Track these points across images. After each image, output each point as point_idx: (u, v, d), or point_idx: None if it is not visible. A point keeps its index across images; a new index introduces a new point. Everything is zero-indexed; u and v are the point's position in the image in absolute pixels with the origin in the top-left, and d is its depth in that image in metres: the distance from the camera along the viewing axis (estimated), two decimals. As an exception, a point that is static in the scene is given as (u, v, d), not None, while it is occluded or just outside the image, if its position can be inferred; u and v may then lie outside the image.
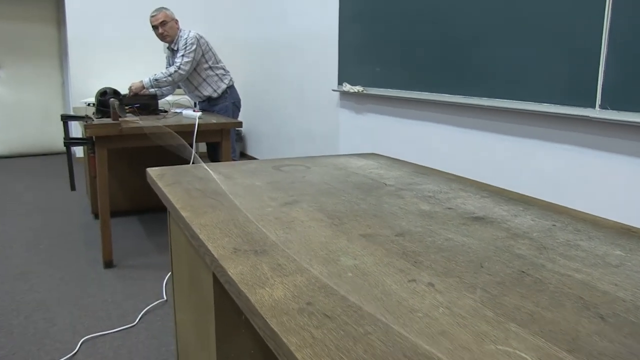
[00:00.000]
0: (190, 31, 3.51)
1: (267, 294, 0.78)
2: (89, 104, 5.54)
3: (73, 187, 3.09)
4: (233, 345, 1.25)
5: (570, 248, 1.01)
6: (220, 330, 1.23)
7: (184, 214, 1.18)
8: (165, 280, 2.81)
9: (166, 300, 2.58)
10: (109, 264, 3.01)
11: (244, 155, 6.49)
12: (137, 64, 6.14)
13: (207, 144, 3.90)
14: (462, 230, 1.11)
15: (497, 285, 0.83)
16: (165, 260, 3.11)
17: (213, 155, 3.78)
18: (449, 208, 1.29)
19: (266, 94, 5.87)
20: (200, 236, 1.04)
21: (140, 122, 2.88)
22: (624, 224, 1.17)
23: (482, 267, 0.91)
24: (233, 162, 1.83)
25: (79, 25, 5.91)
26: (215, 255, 0.93)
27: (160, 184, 1.48)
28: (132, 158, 3.94)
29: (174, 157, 4.02)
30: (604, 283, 0.85)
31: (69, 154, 3.01)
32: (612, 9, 2.09)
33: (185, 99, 4.28)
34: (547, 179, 2.51)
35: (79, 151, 5.76)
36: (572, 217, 1.22)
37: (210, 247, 0.97)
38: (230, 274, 0.85)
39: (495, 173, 2.82)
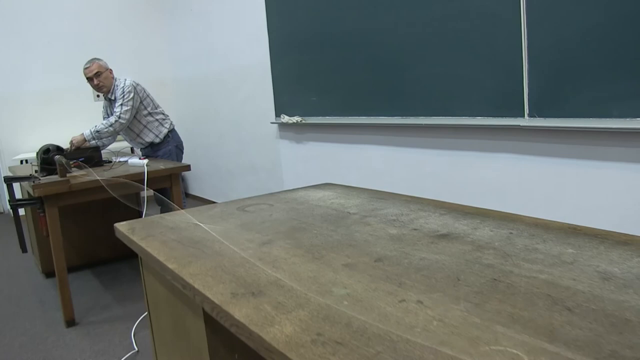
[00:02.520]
0: (126, 79, 3.53)
1: (278, 331, 0.85)
2: (24, 162, 5.40)
3: (24, 249, 3.03)
4: (231, 385, 1.31)
5: (529, 252, 1.14)
6: (217, 372, 1.28)
7: (170, 266, 1.24)
8: (133, 331, 2.79)
9: (138, 351, 2.57)
10: (71, 323, 2.95)
11: (187, 195, 6.47)
12: (67, 116, 6.05)
13: (153, 191, 3.90)
14: (432, 248, 1.22)
15: (476, 294, 0.94)
16: (129, 311, 3.08)
17: (161, 199, 3.78)
18: (415, 229, 1.40)
19: (203, 132, 5.90)
20: (195, 285, 1.10)
21: (94, 174, 2.87)
22: (570, 224, 1.32)
23: (459, 280, 1.01)
24: (198, 207, 1.88)
25: (2, 83, 5.78)
26: (217, 302, 1.00)
27: (134, 239, 1.52)
28: (77, 213, 3.88)
29: (117, 208, 3.99)
30: (564, 279, 0.97)
31: (16, 216, 2.96)
32: (527, 28, 2.30)
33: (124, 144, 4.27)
34: (488, 186, 2.69)
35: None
36: (525, 224, 1.36)
37: (209, 295, 1.03)
38: (237, 317, 0.92)
39: (441, 187, 2.98)
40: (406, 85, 2.99)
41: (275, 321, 0.89)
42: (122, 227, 1.68)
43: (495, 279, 1.00)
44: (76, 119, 6.00)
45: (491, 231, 1.32)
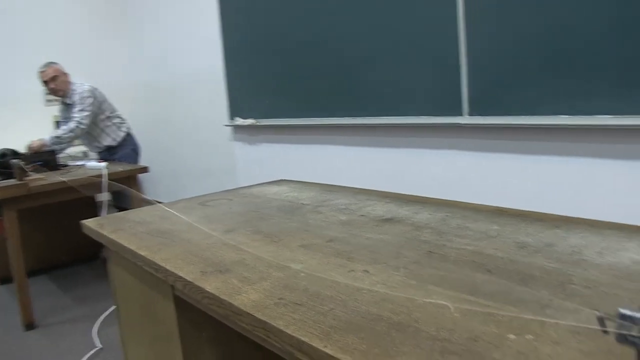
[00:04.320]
0: (83, 84, 3.57)
1: (245, 298, 0.99)
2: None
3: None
4: (199, 361, 1.43)
5: (461, 230, 1.31)
6: (186, 349, 1.40)
7: (142, 253, 1.36)
8: (96, 329, 2.85)
9: (102, 348, 2.64)
10: (30, 327, 2.99)
11: (141, 199, 6.47)
12: (21, 121, 5.96)
13: (111, 193, 3.95)
14: (377, 230, 1.38)
15: (413, 264, 1.10)
16: (89, 311, 3.14)
17: (118, 202, 3.83)
18: (362, 215, 1.56)
19: (159, 136, 5.94)
20: (167, 267, 1.22)
21: (57, 176, 2.92)
22: (498, 207, 1.50)
23: (399, 253, 1.17)
24: (163, 203, 1.99)
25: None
26: (189, 279, 1.13)
27: (104, 233, 1.62)
28: (34, 217, 3.89)
29: (74, 211, 4.01)
30: (488, 249, 1.15)
31: (-28, 221, 2.98)
32: (465, 33, 2.50)
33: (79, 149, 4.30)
34: (435, 180, 2.89)
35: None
36: (459, 208, 1.54)
37: (181, 274, 1.16)
38: (208, 290, 1.05)
39: (389, 181, 3.16)
40: (356, 87, 3.15)
41: (242, 291, 1.03)
42: (90, 223, 1.78)
43: (430, 252, 1.17)
44: (29, 123, 5.92)
45: (429, 215, 1.49)
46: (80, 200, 4.03)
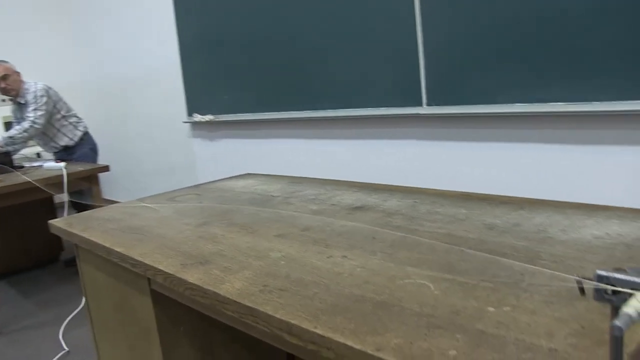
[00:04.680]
0: (36, 83, 3.48)
1: (229, 287, 1.01)
2: None
3: None
4: (179, 357, 1.44)
5: (430, 215, 1.36)
6: (165, 343, 1.41)
7: (118, 249, 1.35)
8: (61, 333, 2.80)
9: (68, 351, 2.60)
10: (-9, 334, 2.92)
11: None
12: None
13: (70, 194, 3.87)
14: (349, 217, 1.42)
15: (389, 247, 1.14)
16: (53, 315, 3.07)
17: (77, 202, 3.75)
18: (333, 204, 1.59)
19: (115, 135, 5.83)
20: (146, 262, 1.23)
21: (23, 176, 2.85)
22: (464, 192, 1.56)
23: (374, 238, 1.21)
24: (130, 202, 1.97)
25: None
26: (170, 272, 1.13)
27: (74, 231, 1.61)
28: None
29: (30, 215, 3.91)
30: (459, 232, 1.20)
31: None
32: (422, 25, 2.56)
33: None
34: (398, 170, 2.95)
35: None
36: (426, 194, 1.59)
37: (161, 267, 1.17)
38: (191, 281, 1.07)
39: (351, 173, 3.21)
40: (315, 81, 3.18)
41: (225, 280, 1.05)
42: (58, 222, 1.75)
43: (404, 235, 1.21)
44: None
45: (399, 202, 1.54)
46: (34, 204, 3.93)
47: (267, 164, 3.82)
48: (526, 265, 0.96)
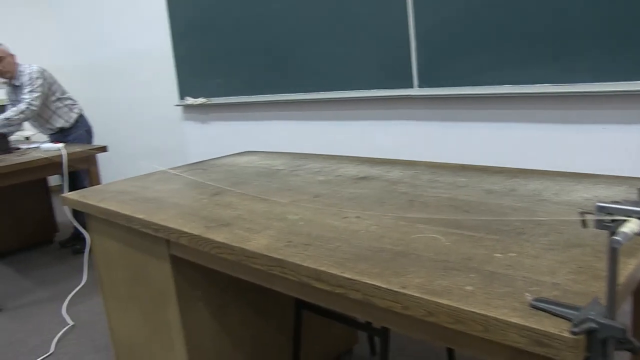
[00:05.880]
0: (31, 65, 3.50)
1: (256, 243, 1.10)
2: None
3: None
4: (195, 320, 1.53)
5: (432, 182, 1.46)
6: (183, 307, 1.50)
7: (140, 216, 1.43)
8: (64, 308, 2.87)
9: (74, 325, 2.67)
10: (-8, 311, 2.97)
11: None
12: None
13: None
14: (356, 186, 1.52)
15: (399, 209, 1.24)
16: (53, 292, 3.13)
17: (73, 183, 3.79)
18: (338, 175, 1.69)
19: (106, 118, 5.85)
20: (170, 225, 1.31)
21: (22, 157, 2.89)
22: (461, 163, 1.66)
23: (384, 202, 1.31)
24: (138, 176, 2.05)
25: None
26: (196, 233, 1.22)
27: (91, 203, 1.68)
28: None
29: (22, 197, 3.95)
30: (461, 196, 1.30)
31: None
32: (413, 8, 2.65)
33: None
34: (387, 149, 3.05)
35: None
36: (425, 166, 1.69)
37: (186, 229, 1.26)
38: (218, 240, 1.16)
39: (346, 154, 3.31)
40: (306, 63, 3.26)
41: (250, 238, 1.14)
42: (72, 195, 1.82)
43: (410, 200, 1.31)
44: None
45: (400, 172, 1.64)
46: (28, 185, 3.97)
47: (260, 146, 3.90)
48: (525, 222, 1.07)
